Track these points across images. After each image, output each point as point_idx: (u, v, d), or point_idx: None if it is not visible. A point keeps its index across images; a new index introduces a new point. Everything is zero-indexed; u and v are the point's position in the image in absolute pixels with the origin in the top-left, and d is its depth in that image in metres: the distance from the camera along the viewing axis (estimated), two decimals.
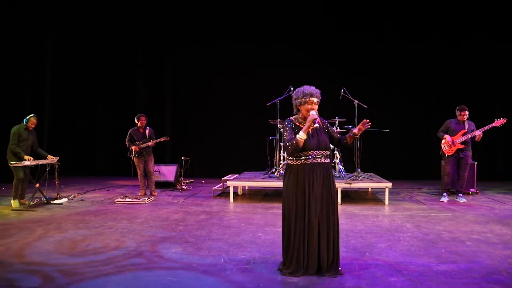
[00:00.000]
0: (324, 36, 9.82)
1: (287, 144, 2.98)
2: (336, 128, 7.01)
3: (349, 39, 9.77)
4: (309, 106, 3.03)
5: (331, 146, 3.25)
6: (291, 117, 3.18)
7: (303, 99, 3.05)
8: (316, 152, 3.01)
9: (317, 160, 3.01)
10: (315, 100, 3.04)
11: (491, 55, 9.38)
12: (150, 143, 6.97)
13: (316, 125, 2.95)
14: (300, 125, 3.06)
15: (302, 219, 2.96)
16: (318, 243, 2.97)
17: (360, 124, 3.00)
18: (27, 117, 6.08)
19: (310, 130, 3.01)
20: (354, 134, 3.03)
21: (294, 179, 3.02)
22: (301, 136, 2.92)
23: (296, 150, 2.97)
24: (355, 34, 9.76)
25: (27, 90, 9.86)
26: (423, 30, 9.58)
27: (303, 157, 3.01)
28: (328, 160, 3.10)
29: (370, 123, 2.97)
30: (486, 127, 6.13)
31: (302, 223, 2.96)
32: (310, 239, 2.94)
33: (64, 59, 10.55)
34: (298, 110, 3.14)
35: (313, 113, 2.97)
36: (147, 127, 7.16)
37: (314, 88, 3.09)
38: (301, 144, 2.94)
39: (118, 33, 10.61)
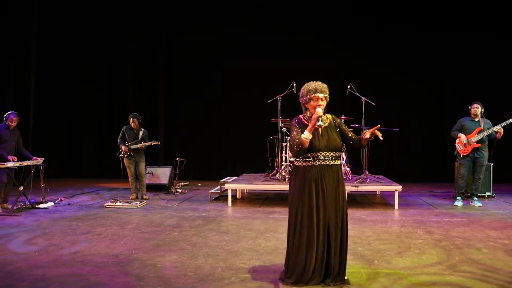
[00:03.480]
0: (328, 29, 9.81)
1: (293, 144, 2.96)
2: None
3: (356, 32, 9.76)
4: (315, 103, 3.01)
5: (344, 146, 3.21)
6: (300, 115, 3.16)
7: (308, 96, 3.03)
8: (325, 153, 2.98)
9: (326, 162, 2.98)
10: (321, 95, 3.01)
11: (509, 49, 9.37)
12: (139, 146, 6.98)
13: (320, 123, 2.91)
14: (307, 123, 3.04)
15: (309, 225, 2.94)
16: (327, 251, 2.95)
17: (373, 129, 2.92)
18: (6, 115, 6.07)
19: (319, 129, 3.00)
20: (367, 139, 2.98)
21: (301, 182, 3.00)
22: (306, 136, 2.91)
23: (301, 151, 2.95)
24: (363, 26, 9.76)
25: (9, 88, 9.87)
26: (437, 23, 9.55)
27: (311, 158, 2.99)
28: (339, 162, 3.07)
29: (380, 135, 2.94)
30: (503, 124, 6.14)
31: (310, 229, 2.93)
32: (318, 247, 2.92)
33: (50, 53, 10.59)
34: (306, 109, 3.12)
35: (319, 110, 2.95)
36: (142, 129, 7.18)
37: (320, 83, 3.06)
38: (306, 144, 2.92)
39: (107, 28, 10.61)
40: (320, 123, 2.92)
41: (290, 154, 6.58)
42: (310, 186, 2.96)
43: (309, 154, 3.00)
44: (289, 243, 3.08)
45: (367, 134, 2.98)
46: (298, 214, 2.98)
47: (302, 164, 3.04)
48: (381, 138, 2.96)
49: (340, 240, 2.98)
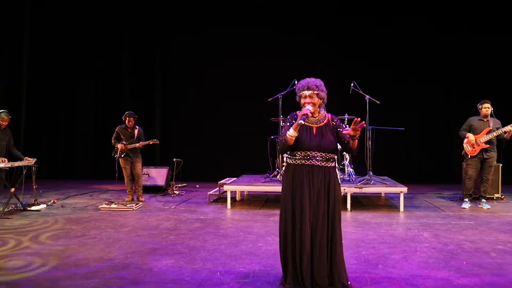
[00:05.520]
0: (332, 23, 9.80)
1: (279, 140, 3.02)
2: (346, 126, 7.01)
3: (361, 28, 9.75)
4: (303, 100, 3.01)
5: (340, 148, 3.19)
6: (297, 111, 3.15)
7: (298, 94, 3.06)
8: (315, 153, 2.97)
9: (315, 162, 2.96)
10: (308, 93, 2.99)
11: None
12: (137, 145, 6.97)
13: (300, 121, 2.88)
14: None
15: (294, 227, 2.94)
16: (312, 255, 2.93)
17: (352, 124, 2.86)
18: None
19: (314, 128, 3.01)
20: (351, 136, 2.92)
21: (289, 180, 3.02)
22: (290, 133, 2.92)
23: (285, 148, 2.99)
24: (368, 21, 9.74)
25: (0, 85, 9.87)
26: (443, 17, 9.55)
27: (301, 157, 2.99)
28: (332, 164, 3.02)
29: (364, 123, 2.88)
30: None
31: (299, 231, 2.92)
32: (303, 251, 2.90)
33: (43, 51, 10.57)
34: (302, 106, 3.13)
35: (307, 108, 2.93)
36: (136, 126, 7.16)
37: (311, 79, 3.04)
38: (290, 142, 2.94)
39: (102, 26, 10.57)
40: (300, 121, 2.88)
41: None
42: (297, 186, 2.96)
43: (298, 152, 3.00)
44: (279, 244, 3.06)
45: (347, 130, 2.92)
46: (287, 214, 2.98)
47: (292, 161, 3.05)
48: (364, 125, 2.89)
49: (328, 245, 2.93)
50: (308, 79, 3.05)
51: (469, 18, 9.44)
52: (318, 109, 3.09)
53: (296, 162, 3.01)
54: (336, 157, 3.08)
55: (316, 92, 3.00)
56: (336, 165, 3.18)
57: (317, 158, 2.97)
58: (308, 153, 2.98)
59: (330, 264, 2.96)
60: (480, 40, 9.42)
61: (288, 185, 3.01)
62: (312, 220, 2.93)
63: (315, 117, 3.06)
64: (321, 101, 3.06)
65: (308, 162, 2.97)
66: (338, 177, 3.14)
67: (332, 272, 2.96)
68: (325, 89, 3.07)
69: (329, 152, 3.01)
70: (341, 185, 3.45)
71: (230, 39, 10.11)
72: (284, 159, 7.04)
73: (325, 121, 3.09)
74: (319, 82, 3.05)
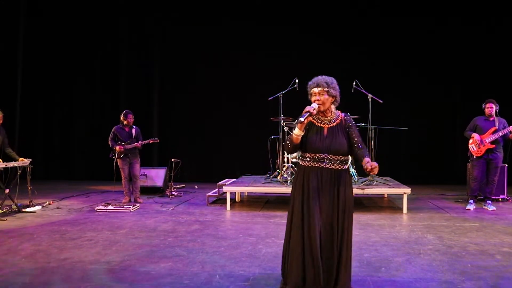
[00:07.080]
0: (334, 22, 9.80)
1: (287, 139, 3.01)
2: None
3: (363, 26, 9.76)
4: (313, 98, 2.98)
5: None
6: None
7: (309, 92, 3.03)
8: (324, 155, 2.93)
9: (325, 165, 2.93)
10: (317, 90, 2.94)
11: None
12: (137, 144, 6.97)
13: (300, 119, 2.85)
14: (313, 120, 3.01)
15: (300, 229, 2.92)
16: (319, 259, 2.90)
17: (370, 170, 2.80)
18: None
19: (325, 128, 2.97)
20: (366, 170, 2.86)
21: (298, 182, 3.00)
22: (296, 132, 2.90)
23: (292, 148, 2.99)
24: (371, 20, 9.75)
25: None
26: (446, 11, 9.55)
27: (310, 159, 2.97)
28: (344, 167, 2.97)
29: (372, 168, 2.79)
30: None
31: (300, 234, 2.91)
32: (311, 255, 2.88)
33: (38, 48, 10.57)
34: None
35: (311, 106, 2.91)
36: (134, 126, 7.16)
37: (324, 76, 3.00)
38: (296, 141, 2.92)
39: (99, 21, 10.56)
40: (300, 119, 2.85)
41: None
42: (304, 188, 2.94)
43: (308, 154, 2.97)
44: (283, 246, 3.06)
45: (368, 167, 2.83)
46: (293, 216, 2.97)
47: (302, 163, 3.04)
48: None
49: (337, 249, 2.89)
50: (319, 76, 3.01)
51: (471, 18, 9.44)
52: (331, 108, 3.04)
53: (306, 164, 2.98)
54: (348, 159, 3.00)
55: (326, 89, 2.94)
56: (350, 166, 3.15)
57: (326, 160, 2.93)
58: (318, 155, 2.93)
59: (337, 269, 2.91)
60: (485, 39, 9.43)
61: (298, 187, 2.98)
62: (320, 224, 2.91)
63: (327, 117, 3.02)
64: (332, 99, 3.00)
65: (318, 165, 2.93)
66: (351, 180, 3.09)
67: (338, 277, 2.91)
68: (337, 87, 3.02)
69: (340, 154, 2.94)
70: None
71: (230, 38, 10.11)
72: (288, 162, 7.09)
73: (338, 121, 3.02)
74: (330, 79, 3.00)
